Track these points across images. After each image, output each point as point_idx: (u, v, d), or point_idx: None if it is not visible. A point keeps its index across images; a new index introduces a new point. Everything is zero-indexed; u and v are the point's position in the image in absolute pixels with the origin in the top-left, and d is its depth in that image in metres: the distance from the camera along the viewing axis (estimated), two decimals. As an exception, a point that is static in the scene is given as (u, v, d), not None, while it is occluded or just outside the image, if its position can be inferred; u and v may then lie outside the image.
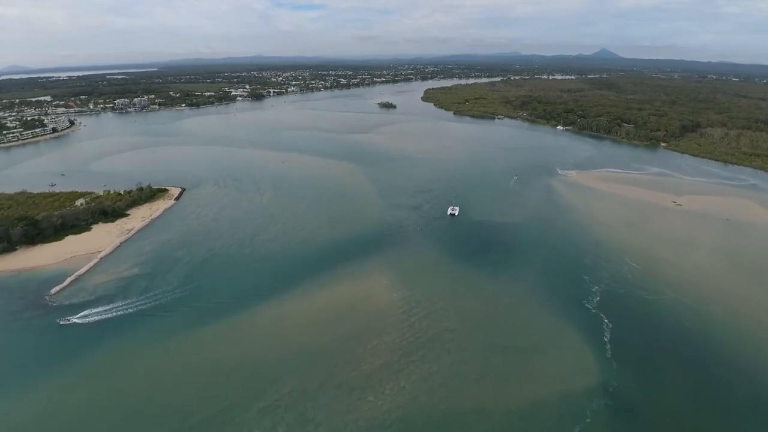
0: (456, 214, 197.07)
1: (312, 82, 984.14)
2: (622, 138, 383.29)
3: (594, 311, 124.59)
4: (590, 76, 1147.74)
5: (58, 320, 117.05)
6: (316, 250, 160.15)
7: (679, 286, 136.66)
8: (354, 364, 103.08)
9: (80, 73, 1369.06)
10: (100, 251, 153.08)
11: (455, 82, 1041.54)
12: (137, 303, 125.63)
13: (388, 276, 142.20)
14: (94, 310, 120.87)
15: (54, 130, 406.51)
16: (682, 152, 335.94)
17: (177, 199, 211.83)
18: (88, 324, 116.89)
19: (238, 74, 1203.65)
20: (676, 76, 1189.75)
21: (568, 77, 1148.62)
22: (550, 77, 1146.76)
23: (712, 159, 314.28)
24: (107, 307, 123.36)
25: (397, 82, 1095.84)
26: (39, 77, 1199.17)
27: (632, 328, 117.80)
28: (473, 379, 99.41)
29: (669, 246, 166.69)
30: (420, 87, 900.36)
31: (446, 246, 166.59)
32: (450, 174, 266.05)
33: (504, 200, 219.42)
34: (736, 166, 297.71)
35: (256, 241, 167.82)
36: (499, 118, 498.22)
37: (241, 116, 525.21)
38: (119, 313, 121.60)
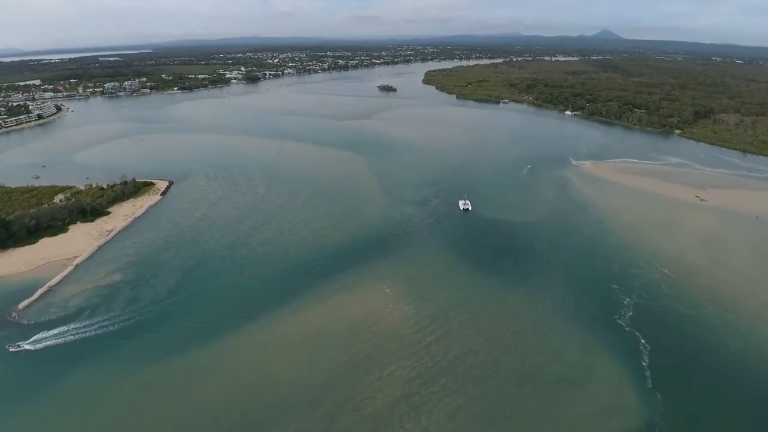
0: (469, 208, 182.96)
1: (309, 63, 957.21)
2: (634, 124, 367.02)
3: (628, 329, 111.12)
4: (594, 58, 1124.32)
5: (6, 346, 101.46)
6: (316, 255, 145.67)
7: (718, 299, 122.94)
8: (366, 398, 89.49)
9: (73, 56, 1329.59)
10: (76, 257, 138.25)
11: (456, 63, 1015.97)
12: (107, 323, 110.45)
13: (397, 285, 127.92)
14: (49, 333, 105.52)
15: (39, 116, 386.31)
16: (698, 140, 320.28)
17: (163, 194, 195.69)
18: (42, 350, 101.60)
19: (233, 56, 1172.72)
20: (680, 58, 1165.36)
21: (571, 59, 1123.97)
22: (553, 59, 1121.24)
23: (729, 148, 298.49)
24: (69, 328, 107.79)
25: (396, 63, 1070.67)
26: (30, 60, 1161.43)
27: (672, 351, 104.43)
28: (504, 416, 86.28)
29: (700, 249, 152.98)
30: (420, 69, 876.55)
31: (460, 248, 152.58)
32: (457, 164, 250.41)
33: (517, 194, 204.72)
34: (755, 155, 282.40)
35: (249, 244, 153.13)
36: (504, 102, 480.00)
37: (234, 100, 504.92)
38: (82, 335, 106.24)
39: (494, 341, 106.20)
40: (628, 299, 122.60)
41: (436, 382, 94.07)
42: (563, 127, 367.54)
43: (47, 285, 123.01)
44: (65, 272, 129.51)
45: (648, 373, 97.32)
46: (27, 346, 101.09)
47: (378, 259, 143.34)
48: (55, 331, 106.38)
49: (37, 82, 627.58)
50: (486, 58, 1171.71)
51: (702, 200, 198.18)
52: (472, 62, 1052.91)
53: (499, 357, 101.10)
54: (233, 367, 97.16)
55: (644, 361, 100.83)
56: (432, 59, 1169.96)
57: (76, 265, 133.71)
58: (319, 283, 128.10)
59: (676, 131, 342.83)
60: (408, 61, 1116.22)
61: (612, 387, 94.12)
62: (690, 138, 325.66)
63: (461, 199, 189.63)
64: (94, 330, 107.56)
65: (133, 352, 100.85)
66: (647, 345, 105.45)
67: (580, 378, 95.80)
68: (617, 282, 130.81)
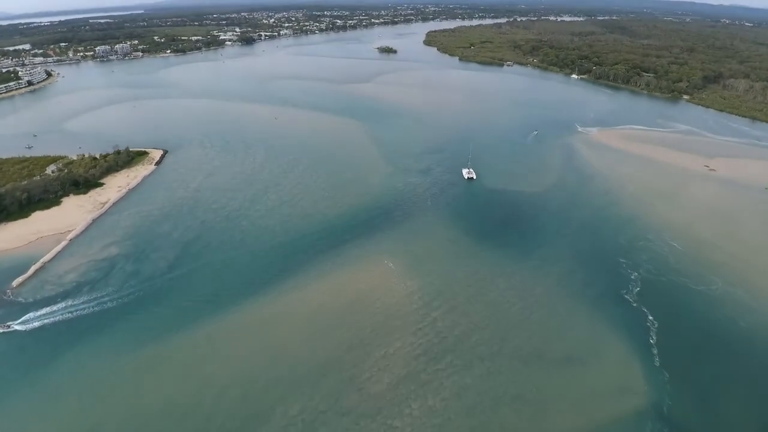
0: (474, 177, 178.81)
1: (306, 24, 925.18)
2: (642, 89, 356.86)
3: (635, 305, 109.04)
4: (600, 18, 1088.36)
5: None
6: (317, 227, 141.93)
7: (727, 274, 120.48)
8: (371, 376, 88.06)
9: (63, 18, 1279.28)
10: (69, 231, 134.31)
11: (458, 23, 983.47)
12: (103, 300, 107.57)
13: (400, 259, 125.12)
14: (43, 311, 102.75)
15: (29, 83, 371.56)
16: (707, 106, 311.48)
17: (158, 163, 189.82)
18: (36, 330, 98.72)
19: (227, 16, 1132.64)
20: (688, 20, 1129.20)
21: (576, 19, 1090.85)
22: (558, 19, 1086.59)
23: (738, 115, 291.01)
24: (64, 306, 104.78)
25: (396, 23, 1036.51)
26: (20, 24, 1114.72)
27: (681, 328, 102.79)
28: (511, 394, 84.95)
29: (709, 222, 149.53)
30: (421, 29, 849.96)
31: (464, 219, 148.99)
32: (460, 130, 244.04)
33: (522, 163, 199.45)
34: (764, 123, 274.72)
35: (249, 215, 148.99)
36: (508, 65, 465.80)
37: (229, 63, 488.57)
38: (78, 313, 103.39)
39: (501, 317, 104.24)
40: (636, 274, 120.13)
41: (442, 359, 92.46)
42: (569, 92, 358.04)
43: (41, 261, 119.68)
44: (59, 247, 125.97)
45: (655, 351, 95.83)
46: (17, 327, 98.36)
47: (380, 231, 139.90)
48: (49, 309, 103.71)
49: (27, 46, 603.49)
50: (489, 17, 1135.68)
51: (711, 170, 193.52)
52: (474, 22, 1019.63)
53: (506, 333, 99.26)
54: (234, 346, 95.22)
55: (652, 339, 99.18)
56: (433, 19, 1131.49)
57: (70, 240, 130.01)
58: (320, 257, 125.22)
59: (685, 97, 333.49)
60: (408, 21, 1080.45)
61: (619, 365, 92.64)
62: (699, 104, 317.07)
63: (465, 168, 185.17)
64: (91, 307, 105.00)
65: (131, 331, 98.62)
66: (655, 321, 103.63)
67: (587, 356, 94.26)
68: (625, 255, 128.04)
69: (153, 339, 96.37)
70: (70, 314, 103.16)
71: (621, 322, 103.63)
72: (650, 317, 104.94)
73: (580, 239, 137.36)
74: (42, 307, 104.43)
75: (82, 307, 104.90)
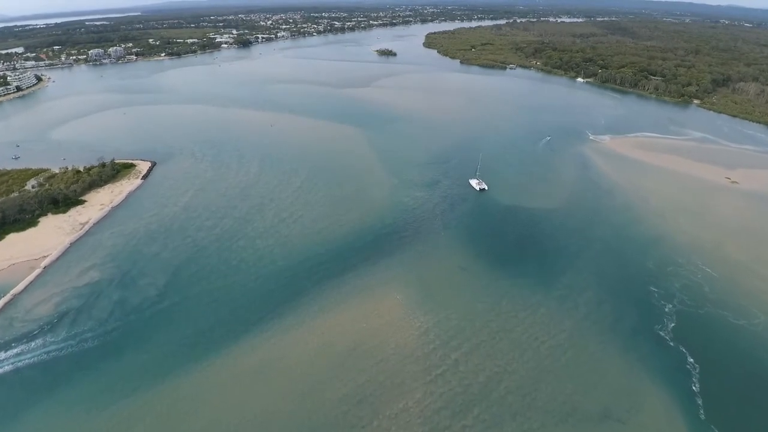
0: (485, 188, 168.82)
1: (304, 26, 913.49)
2: (650, 93, 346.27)
3: (672, 344, 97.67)
4: (600, 19, 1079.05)
5: None
6: (318, 250, 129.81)
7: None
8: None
9: (59, 20, 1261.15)
10: (44, 256, 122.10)
11: (457, 25, 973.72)
12: (76, 339, 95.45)
13: (411, 290, 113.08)
14: (5, 356, 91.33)
15: (18, 88, 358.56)
16: (719, 111, 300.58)
17: (145, 177, 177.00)
18: None
19: (224, 17, 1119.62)
20: (687, 21, 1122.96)
21: (576, 20, 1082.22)
22: (558, 20, 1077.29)
23: (752, 120, 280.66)
24: (30, 348, 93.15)
25: (395, 25, 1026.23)
26: (15, 26, 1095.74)
27: (725, 371, 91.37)
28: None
29: (740, 242, 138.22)
30: (420, 31, 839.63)
31: (479, 241, 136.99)
32: (466, 138, 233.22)
33: (534, 174, 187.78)
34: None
35: (244, 236, 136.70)
36: (510, 68, 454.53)
37: (225, 67, 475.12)
38: (47, 356, 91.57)
39: (529, 357, 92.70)
40: (670, 306, 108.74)
41: (468, 413, 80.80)
42: (576, 96, 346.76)
43: (11, 293, 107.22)
44: (31, 277, 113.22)
45: (700, 401, 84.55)
46: None
47: (387, 255, 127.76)
48: (17, 351, 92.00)
49: (20, 50, 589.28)
50: (488, 19, 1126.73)
51: (733, 182, 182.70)
52: (474, 24, 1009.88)
53: (537, 380, 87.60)
54: (222, 400, 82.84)
55: (694, 385, 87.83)
56: (432, 20, 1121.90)
57: (44, 268, 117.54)
58: (321, 288, 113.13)
59: (695, 101, 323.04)
60: (407, 23, 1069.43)
61: (661, 420, 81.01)
62: (710, 109, 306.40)
63: (474, 179, 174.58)
64: (64, 349, 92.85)
65: (106, 380, 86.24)
66: (696, 364, 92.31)
67: (626, 409, 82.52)
68: (655, 284, 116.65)
69: (131, 390, 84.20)
70: (41, 357, 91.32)
71: (658, 365, 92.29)
72: (690, 359, 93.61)
73: (605, 263, 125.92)
74: (9, 350, 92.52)
75: (53, 349, 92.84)
